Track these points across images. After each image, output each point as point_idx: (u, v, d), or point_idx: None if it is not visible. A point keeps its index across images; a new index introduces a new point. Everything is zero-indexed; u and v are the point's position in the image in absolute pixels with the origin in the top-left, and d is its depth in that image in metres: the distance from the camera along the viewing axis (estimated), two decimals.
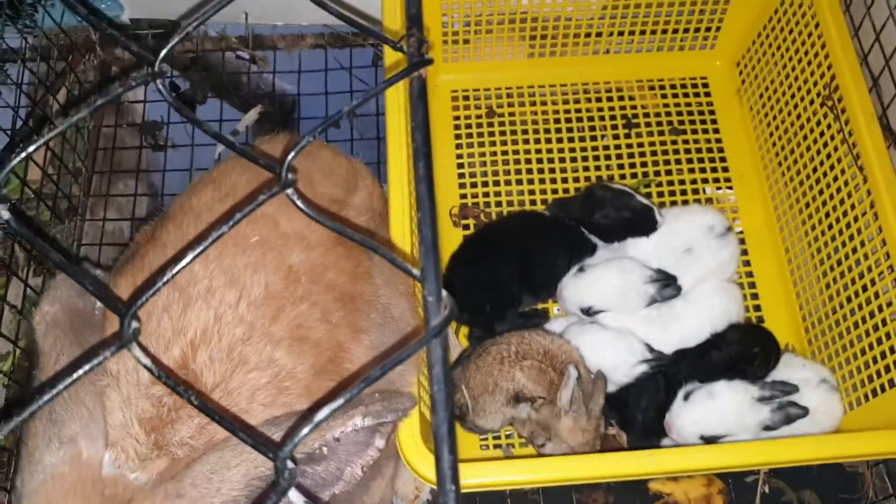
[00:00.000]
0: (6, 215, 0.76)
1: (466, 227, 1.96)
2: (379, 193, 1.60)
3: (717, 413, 1.56)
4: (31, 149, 0.68)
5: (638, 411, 1.64)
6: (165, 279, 0.69)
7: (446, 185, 2.00)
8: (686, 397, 1.59)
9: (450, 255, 1.84)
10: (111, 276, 1.28)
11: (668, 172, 2.01)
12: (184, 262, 0.69)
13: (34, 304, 1.79)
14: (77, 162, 2.10)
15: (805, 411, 1.54)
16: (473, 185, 2.00)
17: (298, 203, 0.70)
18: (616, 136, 2.06)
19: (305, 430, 0.62)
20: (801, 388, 1.59)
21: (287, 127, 2.15)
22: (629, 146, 2.05)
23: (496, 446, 1.74)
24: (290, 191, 0.72)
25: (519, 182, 2.01)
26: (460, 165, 2.03)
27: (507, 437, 1.74)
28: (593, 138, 2.06)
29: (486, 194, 1.99)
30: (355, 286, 1.30)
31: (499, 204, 1.98)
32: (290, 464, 0.63)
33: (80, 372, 0.67)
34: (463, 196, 1.99)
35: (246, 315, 1.14)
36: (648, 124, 2.08)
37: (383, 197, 1.59)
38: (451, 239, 1.91)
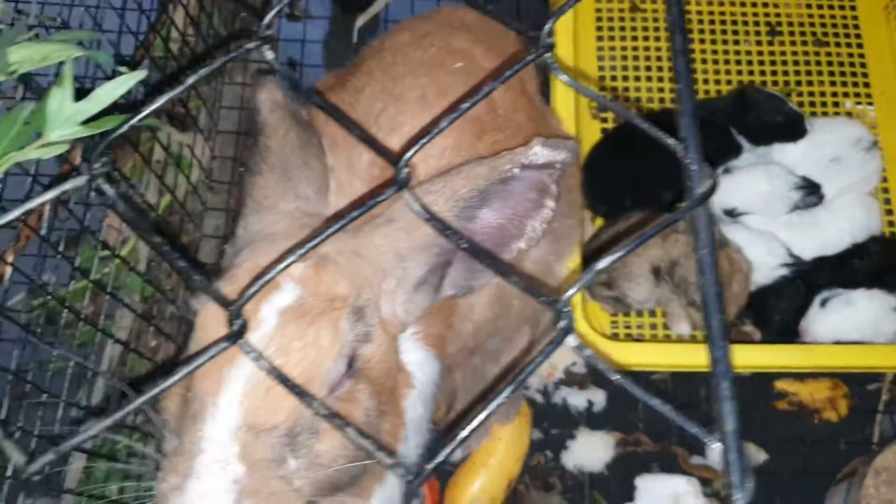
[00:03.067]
0: (270, 55, 0.76)
1: (605, 120, 1.98)
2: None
3: (854, 321, 1.61)
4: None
5: (776, 312, 1.70)
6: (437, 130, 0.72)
7: (586, 77, 2.01)
8: (823, 304, 1.65)
9: (589, 147, 1.87)
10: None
11: (809, 83, 2.01)
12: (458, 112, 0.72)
13: None
14: (220, 26, 2.10)
15: None
16: (613, 78, 2.01)
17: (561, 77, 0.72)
18: (759, 43, 2.06)
19: (583, 280, 0.65)
20: None
21: None
22: (771, 54, 2.05)
23: (626, 335, 1.80)
24: (548, 55, 0.73)
25: (660, 79, 2.01)
26: (601, 58, 2.03)
27: (639, 326, 1.81)
28: (735, 42, 2.06)
29: (625, 89, 2.00)
30: (539, 129, 1.36)
31: (638, 100, 2.00)
32: (567, 308, 0.66)
33: (356, 212, 0.69)
34: (602, 90, 2.00)
35: (455, 125, 1.20)
36: (792, 33, 2.07)
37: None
38: (589, 131, 1.93)
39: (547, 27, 0.74)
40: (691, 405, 1.77)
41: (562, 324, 0.66)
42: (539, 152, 1.04)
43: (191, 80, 0.72)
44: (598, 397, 1.77)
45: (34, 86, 0.95)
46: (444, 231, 0.72)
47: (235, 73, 2.09)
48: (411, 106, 1.24)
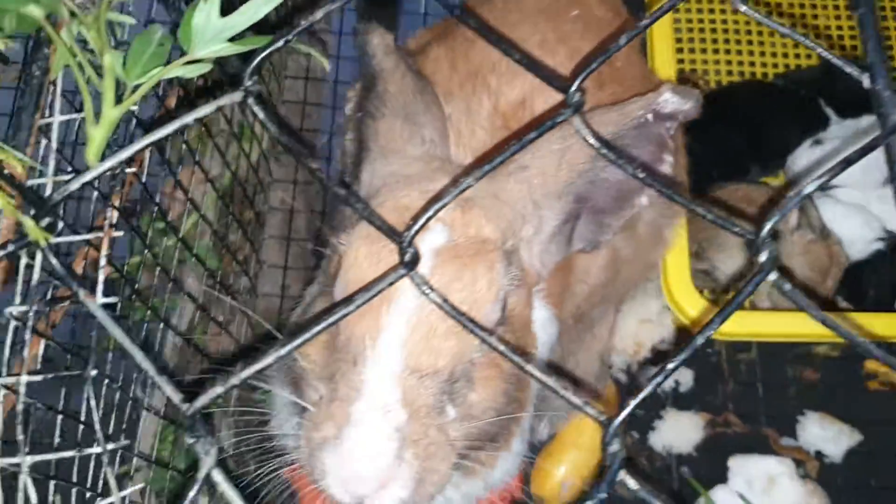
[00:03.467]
0: None
1: None
2: None
3: None
4: None
5: (871, 287, 1.64)
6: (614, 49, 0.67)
7: (662, 49, 1.94)
8: None
9: None
10: None
11: (891, 58, 1.96)
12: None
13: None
14: None
15: None
16: (692, 50, 1.96)
17: None
18: (838, 17, 2.00)
19: (784, 211, 0.60)
20: None
21: None
22: (851, 28, 1.99)
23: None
24: None
25: (739, 52, 1.96)
26: (678, 31, 1.97)
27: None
28: (815, 17, 2.00)
29: (704, 62, 1.95)
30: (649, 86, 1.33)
31: (717, 73, 1.94)
32: (769, 241, 0.60)
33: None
34: (680, 62, 1.94)
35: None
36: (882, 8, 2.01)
37: None
38: None
39: None
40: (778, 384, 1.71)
41: (762, 257, 0.60)
42: (669, 99, 1.02)
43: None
44: (686, 377, 1.71)
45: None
46: (616, 161, 0.67)
47: (298, 42, 2.02)
48: (534, 50, 1.20)
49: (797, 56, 1.95)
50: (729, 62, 1.94)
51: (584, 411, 0.52)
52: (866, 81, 0.67)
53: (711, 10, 2.00)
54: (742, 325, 1.58)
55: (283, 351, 0.54)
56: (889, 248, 1.65)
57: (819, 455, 1.64)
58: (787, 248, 1.61)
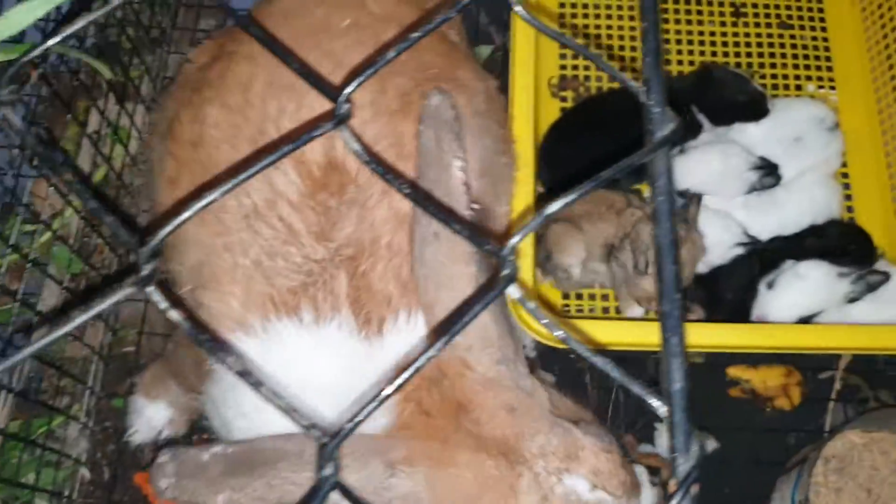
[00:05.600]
0: None
1: (564, 99, 1.93)
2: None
3: (807, 291, 1.57)
4: None
5: (728, 290, 1.65)
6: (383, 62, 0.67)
7: (546, 54, 1.95)
8: (770, 286, 1.60)
9: (547, 126, 1.82)
10: None
11: (772, 66, 1.97)
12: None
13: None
14: None
15: (885, 276, 1.56)
16: (575, 55, 1.96)
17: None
18: (723, 24, 2.02)
19: (530, 226, 0.61)
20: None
21: None
22: (734, 35, 2.00)
23: (578, 310, 1.75)
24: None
25: (621, 59, 1.96)
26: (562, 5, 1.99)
27: (590, 310, 1.76)
28: (699, 23, 2.01)
29: (586, 67, 1.95)
30: (452, 71, 1.28)
31: (599, 79, 1.95)
32: (511, 256, 0.62)
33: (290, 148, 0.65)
34: (563, 67, 1.95)
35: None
36: (756, 15, 2.03)
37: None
38: (547, 110, 1.89)
39: None
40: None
41: (505, 271, 0.61)
42: (432, 104, 1.04)
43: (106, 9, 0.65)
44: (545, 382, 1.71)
45: None
46: (385, 175, 0.68)
47: (183, 43, 2.02)
48: (308, 88, 1.15)
49: (679, 63, 1.96)
50: (621, 37, 1.96)
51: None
52: (643, 96, 0.67)
53: (597, 16, 2.00)
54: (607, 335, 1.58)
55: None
56: (749, 253, 1.66)
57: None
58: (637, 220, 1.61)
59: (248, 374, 0.50)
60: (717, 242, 1.64)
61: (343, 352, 1.07)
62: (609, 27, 2.00)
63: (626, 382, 0.69)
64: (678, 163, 1.71)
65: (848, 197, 1.86)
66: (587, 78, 1.94)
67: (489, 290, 0.63)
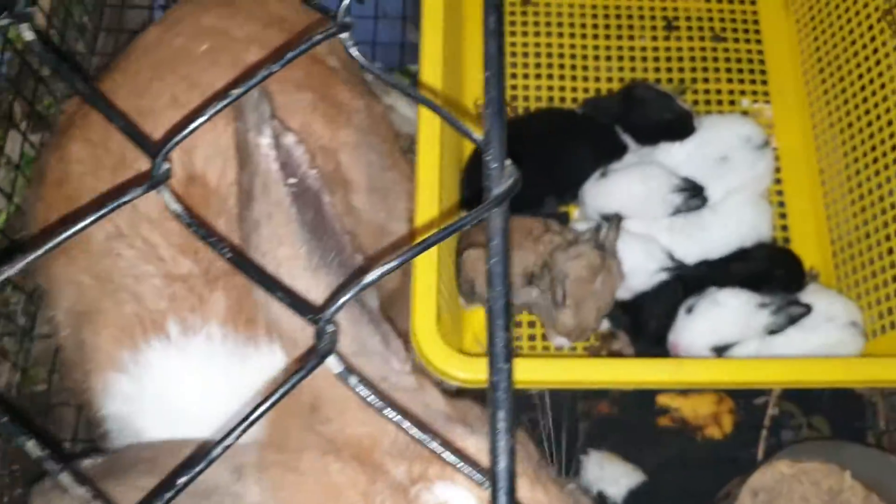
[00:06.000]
0: (30, 36, 0.69)
1: None
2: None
3: (724, 320, 1.50)
4: None
5: (652, 318, 1.59)
6: (205, 117, 0.63)
7: (472, 75, 1.90)
8: (689, 310, 1.54)
9: (473, 149, 1.77)
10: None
11: (705, 80, 1.92)
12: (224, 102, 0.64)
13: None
14: (84, 16, 1.98)
15: (807, 309, 1.50)
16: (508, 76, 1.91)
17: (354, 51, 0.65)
18: (654, 38, 1.96)
19: (349, 295, 0.58)
20: (825, 323, 1.54)
21: None
22: (667, 49, 1.95)
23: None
24: (346, 35, 0.68)
25: (549, 77, 1.91)
26: None
27: (517, 338, 1.70)
28: (630, 38, 1.96)
29: (513, 87, 1.90)
30: (327, 90, 1.26)
31: (526, 99, 1.89)
32: (330, 328, 0.58)
33: (105, 211, 0.61)
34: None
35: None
36: (689, 28, 1.97)
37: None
38: (474, 132, 1.83)
39: (345, 2, 0.67)
40: (570, 419, 1.66)
41: (321, 346, 0.57)
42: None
43: None
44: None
45: None
46: (205, 237, 0.64)
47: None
48: (167, 115, 1.12)
49: (609, 80, 1.91)
50: (539, 87, 1.90)
51: None
52: (481, 146, 0.63)
53: (525, 33, 1.95)
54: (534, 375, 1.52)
55: None
56: (673, 278, 1.60)
57: (601, 496, 1.59)
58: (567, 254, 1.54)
59: None
60: (639, 268, 1.58)
61: (214, 364, 1.03)
62: (550, 87, 1.94)
63: (446, 456, 0.64)
64: (600, 186, 1.66)
65: (782, 216, 1.80)
66: (514, 98, 1.89)
67: (306, 361, 0.59)
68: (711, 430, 1.65)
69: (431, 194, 1.40)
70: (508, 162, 0.61)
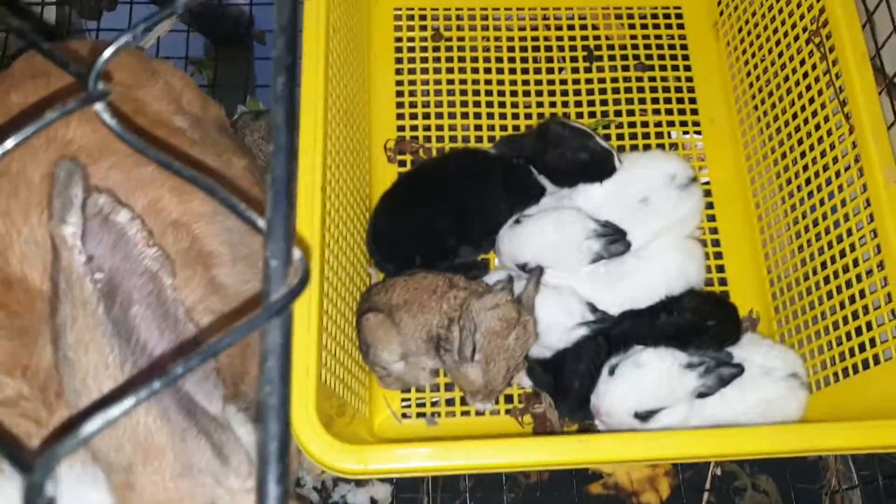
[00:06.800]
0: None
1: (403, 163, 1.74)
2: (193, 92, 1.35)
3: (647, 384, 1.34)
4: None
5: (574, 377, 1.44)
6: None
7: (382, 115, 1.77)
8: (612, 372, 1.39)
9: (381, 195, 1.63)
10: None
11: (631, 113, 1.79)
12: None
13: None
14: None
15: (739, 369, 1.35)
16: (413, 116, 1.78)
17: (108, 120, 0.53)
18: (575, 70, 1.84)
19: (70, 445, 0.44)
20: (763, 377, 1.40)
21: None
22: (589, 81, 1.82)
23: (419, 415, 1.54)
24: (100, 105, 0.55)
25: (465, 115, 1.78)
26: (399, 94, 1.80)
27: (433, 403, 1.55)
28: (549, 70, 1.83)
29: (427, 127, 1.77)
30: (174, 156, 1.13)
31: (440, 139, 1.76)
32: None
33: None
34: (401, 129, 1.76)
35: None
36: (612, 58, 1.85)
37: (199, 97, 1.36)
38: (384, 176, 1.70)
39: (98, 66, 0.54)
40: (495, 486, 1.51)
41: None
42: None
43: None
44: (382, 493, 1.51)
45: None
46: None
47: None
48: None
49: (528, 116, 1.78)
50: (453, 127, 1.77)
51: None
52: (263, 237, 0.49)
53: (437, 70, 1.82)
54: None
55: None
56: (594, 333, 1.45)
57: None
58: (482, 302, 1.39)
59: None
60: (554, 324, 1.44)
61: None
62: (465, 126, 1.81)
63: None
64: (513, 234, 1.52)
65: (718, 254, 1.67)
66: (428, 139, 1.75)
67: None
68: (647, 496, 1.50)
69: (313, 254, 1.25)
70: (298, 255, 0.47)
